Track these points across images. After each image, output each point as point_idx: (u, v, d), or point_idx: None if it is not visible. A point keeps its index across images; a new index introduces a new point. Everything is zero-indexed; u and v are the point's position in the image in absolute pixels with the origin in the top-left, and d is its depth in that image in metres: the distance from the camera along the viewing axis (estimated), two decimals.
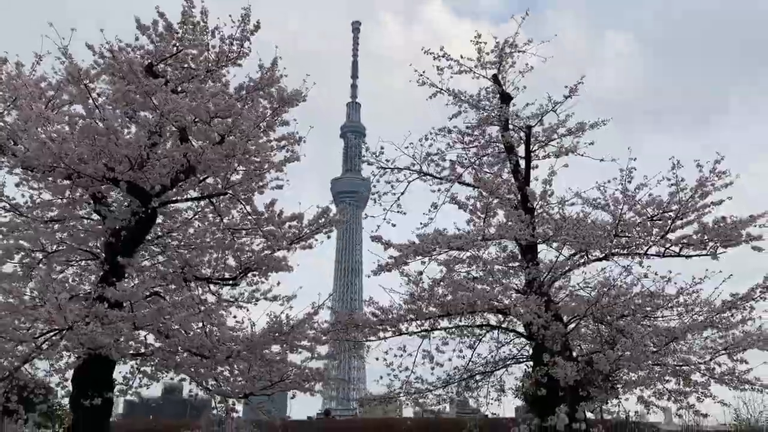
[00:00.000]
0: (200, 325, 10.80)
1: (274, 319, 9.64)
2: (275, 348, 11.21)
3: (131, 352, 10.37)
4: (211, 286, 12.71)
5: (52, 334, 10.06)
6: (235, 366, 11.32)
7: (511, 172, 11.17)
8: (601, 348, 8.70)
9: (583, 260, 10.71)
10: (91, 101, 9.11)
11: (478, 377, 11.03)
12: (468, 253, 9.75)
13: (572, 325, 9.84)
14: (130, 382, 11.24)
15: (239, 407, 11.05)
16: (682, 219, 10.12)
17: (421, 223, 9.68)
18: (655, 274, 9.71)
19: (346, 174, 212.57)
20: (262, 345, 9.49)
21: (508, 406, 12.56)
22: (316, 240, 12.01)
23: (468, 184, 11.52)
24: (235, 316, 11.58)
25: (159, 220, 12.26)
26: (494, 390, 12.37)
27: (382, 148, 11.15)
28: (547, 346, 9.02)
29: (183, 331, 10.72)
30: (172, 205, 11.33)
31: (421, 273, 9.98)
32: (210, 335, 10.34)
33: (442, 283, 9.63)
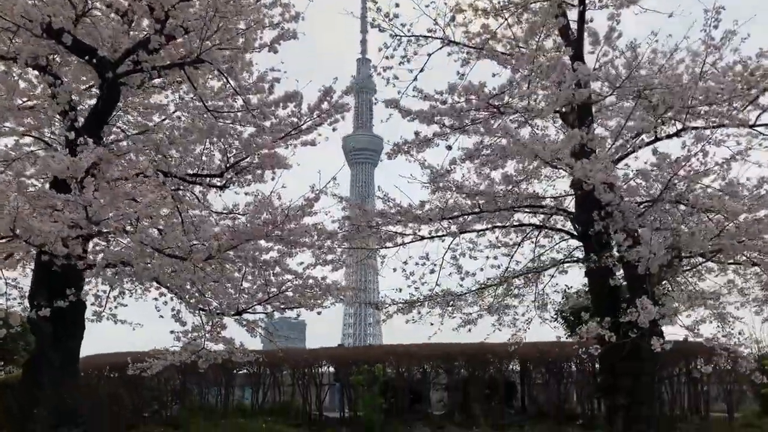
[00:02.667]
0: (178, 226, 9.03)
1: (262, 201, 7.70)
2: (272, 254, 9.42)
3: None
4: (197, 192, 10.87)
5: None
6: (223, 277, 9.56)
7: (559, 29, 8.98)
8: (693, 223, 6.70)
9: (654, 136, 8.64)
10: None
11: (518, 281, 9.09)
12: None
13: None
14: (102, 302, 9.68)
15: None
16: None
17: (449, 83, 7.55)
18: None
19: (358, 131, 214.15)
20: (251, 237, 7.55)
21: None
22: (320, 135, 9.89)
23: (506, 54, 9.32)
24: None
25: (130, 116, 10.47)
26: (535, 307, 10.53)
27: (397, 5, 8.94)
28: (617, 228, 7.02)
29: (157, 230, 9.02)
30: (137, 78, 9.28)
31: (449, 147, 7.96)
32: (188, 233, 8.43)
33: (479, 154, 7.62)
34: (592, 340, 6.93)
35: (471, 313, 9.98)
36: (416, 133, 8.25)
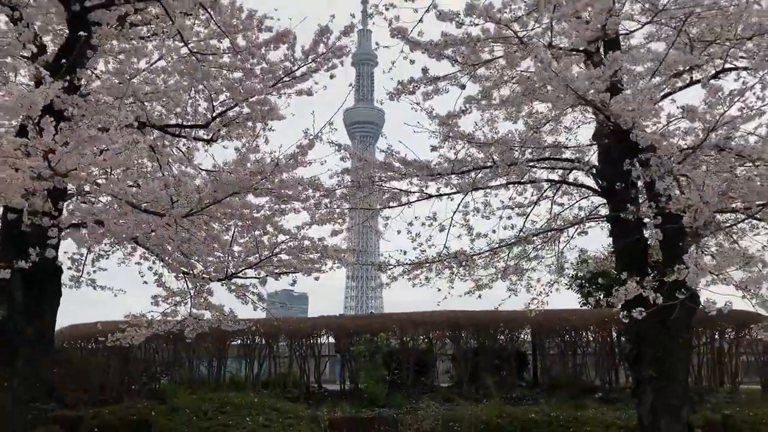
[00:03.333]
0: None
1: (248, 147, 6.88)
2: (263, 212, 8.65)
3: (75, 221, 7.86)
4: (182, 147, 10.14)
5: None
6: (209, 237, 8.80)
7: None
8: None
9: (690, 78, 7.79)
10: None
11: (537, 240, 8.29)
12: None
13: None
14: (80, 266, 8.94)
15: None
16: None
17: (467, 2, 6.53)
18: None
19: (359, 104, 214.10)
20: (237, 190, 6.73)
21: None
22: (316, 83, 8.99)
23: None
24: None
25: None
26: (550, 272, 9.78)
27: None
28: (654, 176, 6.17)
29: (135, 185, 8.24)
30: (112, 16, 8.39)
31: (463, 86, 7.09)
32: (168, 187, 7.63)
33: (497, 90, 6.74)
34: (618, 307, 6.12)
35: (482, 278, 9.20)
36: (424, 70, 7.35)
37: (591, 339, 15.41)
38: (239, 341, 16.47)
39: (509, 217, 9.36)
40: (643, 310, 5.36)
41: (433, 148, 8.04)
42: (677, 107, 6.15)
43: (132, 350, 15.40)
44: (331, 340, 17.19)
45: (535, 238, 8.47)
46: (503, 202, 9.61)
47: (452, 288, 8.53)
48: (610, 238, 8.91)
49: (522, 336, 16.09)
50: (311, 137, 7.30)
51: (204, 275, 8.90)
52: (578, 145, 8.75)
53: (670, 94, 7.98)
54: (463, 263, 8.19)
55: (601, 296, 17.84)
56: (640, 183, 8.12)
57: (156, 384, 15.99)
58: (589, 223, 9.11)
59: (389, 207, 9.63)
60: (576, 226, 8.83)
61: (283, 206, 8.58)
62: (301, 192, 7.99)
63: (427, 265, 8.32)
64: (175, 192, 7.52)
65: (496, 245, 8.39)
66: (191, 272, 8.55)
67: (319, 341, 16.61)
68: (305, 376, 16.41)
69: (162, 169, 8.65)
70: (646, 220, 8.14)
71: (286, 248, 8.95)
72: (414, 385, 15.56)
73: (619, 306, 6.29)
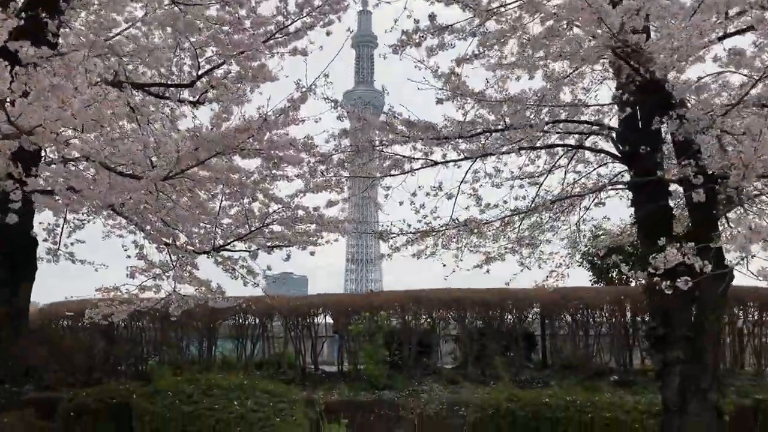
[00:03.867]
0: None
1: (231, 98, 6.26)
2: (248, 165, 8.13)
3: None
4: (167, 112, 9.55)
5: None
6: (194, 204, 8.23)
7: None
8: None
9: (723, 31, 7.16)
10: None
11: (554, 208, 7.71)
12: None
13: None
14: (57, 238, 8.46)
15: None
16: None
17: None
18: None
19: (359, 86, 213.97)
20: (221, 149, 6.10)
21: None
22: (311, 43, 8.32)
23: None
24: None
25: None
26: (564, 247, 9.24)
27: None
28: (691, 132, 5.54)
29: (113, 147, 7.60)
30: None
31: (475, 34, 6.43)
32: (147, 147, 7.00)
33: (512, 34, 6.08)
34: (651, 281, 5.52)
35: (492, 250, 8.64)
36: (431, 17, 6.67)
37: (605, 318, 14.86)
38: (231, 320, 15.94)
39: (521, 186, 8.82)
40: (689, 279, 4.76)
41: (439, 101, 7.40)
42: (723, 48, 5.50)
43: (117, 330, 14.90)
44: (329, 319, 16.67)
45: (553, 205, 7.89)
46: (512, 172, 9.08)
47: (461, 261, 7.99)
48: (631, 209, 8.39)
49: (530, 316, 15.56)
50: (303, 89, 6.64)
51: (188, 246, 8.33)
52: (598, 104, 8.14)
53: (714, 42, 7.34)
54: (474, 231, 7.59)
55: (617, 272, 17.32)
56: (665, 147, 7.53)
57: (143, 365, 15.49)
58: (607, 192, 8.54)
59: (391, 175, 9.07)
60: (594, 195, 8.24)
61: (273, 171, 7.98)
62: (293, 155, 7.33)
63: (434, 233, 7.74)
64: (154, 153, 6.91)
65: (509, 213, 7.81)
66: (173, 243, 7.96)
67: (315, 320, 16.06)
68: (301, 357, 15.89)
69: (141, 130, 8.01)
70: (672, 187, 7.57)
71: (279, 218, 8.39)
72: (416, 366, 15.05)
73: (641, 281, 5.72)
